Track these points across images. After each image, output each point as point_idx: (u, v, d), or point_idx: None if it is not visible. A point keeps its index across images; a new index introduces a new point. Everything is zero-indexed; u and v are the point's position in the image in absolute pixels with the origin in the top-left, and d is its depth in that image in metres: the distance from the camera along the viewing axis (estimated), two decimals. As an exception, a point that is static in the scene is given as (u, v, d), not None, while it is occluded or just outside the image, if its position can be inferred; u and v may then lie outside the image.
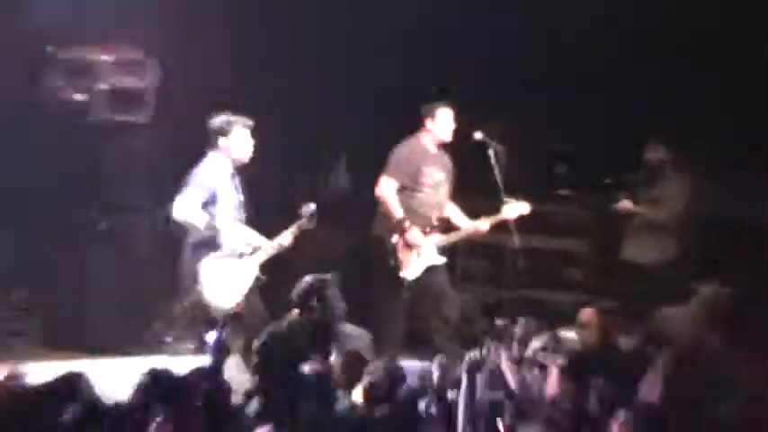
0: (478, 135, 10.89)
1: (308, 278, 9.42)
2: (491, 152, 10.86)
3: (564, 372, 8.30)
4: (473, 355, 7.86)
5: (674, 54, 13.40)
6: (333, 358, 8.76)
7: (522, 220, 11.00)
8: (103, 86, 11.72)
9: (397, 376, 7.90)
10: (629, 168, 12.82)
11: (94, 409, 6.97)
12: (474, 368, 7.55)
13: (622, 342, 9.25)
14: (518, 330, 9.23)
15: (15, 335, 11.71)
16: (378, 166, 11.22)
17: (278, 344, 8.87)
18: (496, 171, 10.92)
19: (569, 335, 9.59)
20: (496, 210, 10.91)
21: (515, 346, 9.16)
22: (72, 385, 7.26)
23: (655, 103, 12.92)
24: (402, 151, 10.90)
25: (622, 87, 12.85)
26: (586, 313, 9.20)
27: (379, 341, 9.69)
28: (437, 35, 13.61)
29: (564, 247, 13.05)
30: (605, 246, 13.14)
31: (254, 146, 10.41)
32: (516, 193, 11.11)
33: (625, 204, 12.30)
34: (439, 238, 10.87)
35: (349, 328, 9.31)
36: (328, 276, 9.34)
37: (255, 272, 10.22)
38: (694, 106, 13.14)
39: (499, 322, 9.31)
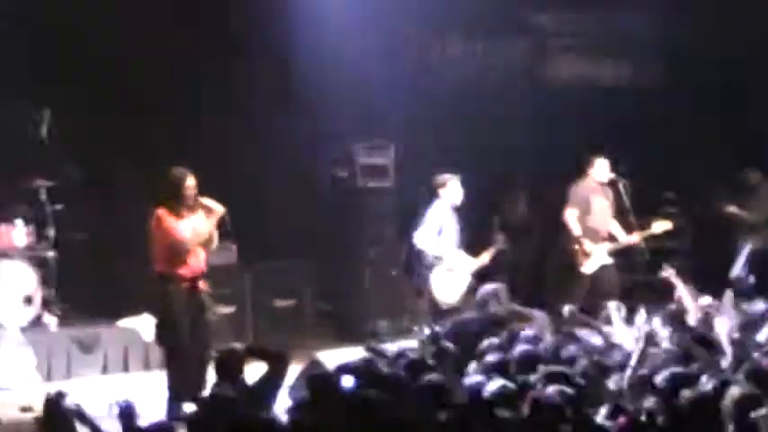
0: (612, 175, 14.00)
1: (487, 286, 12.22)
2: (621, 186, 13.94)
3: None
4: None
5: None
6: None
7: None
8: (361, 163, 15.28)
9: (569, 339, 10.29)
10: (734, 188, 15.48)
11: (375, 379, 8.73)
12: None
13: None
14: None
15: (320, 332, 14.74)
16: (545, 203, 14.67)
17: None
18: (625, 198, 13.90)
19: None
20: (632, 225, 14.03)
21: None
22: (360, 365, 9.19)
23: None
24: (576, 189, 13.91)
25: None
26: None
27: (554, 317, 12.21)
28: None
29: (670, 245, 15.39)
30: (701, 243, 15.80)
31: (464, 193, 13.61)
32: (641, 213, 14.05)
33: (732, 209, 15.11)
34: (607, 246, 13.90)
35: (533, 311, 12.04)
36: (501, 285, 12.05)
37: (468, 279, 13.57)
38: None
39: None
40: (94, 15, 14.89)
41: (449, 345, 10.30)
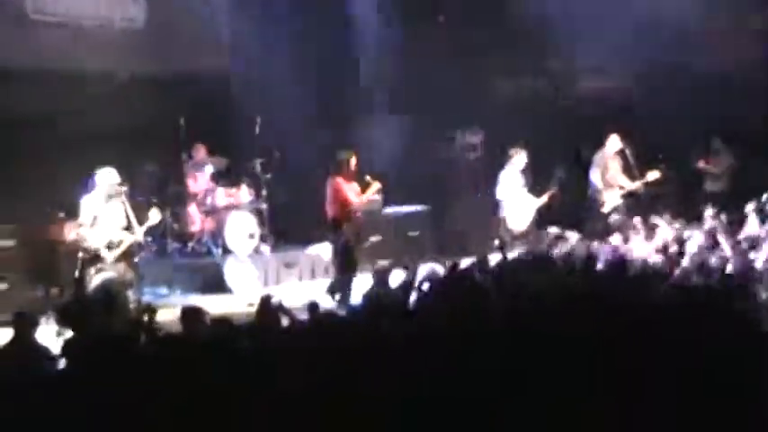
0: (621, 145, 14.99)
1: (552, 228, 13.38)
2: (628, 152, 15.08)
3: None
4: None
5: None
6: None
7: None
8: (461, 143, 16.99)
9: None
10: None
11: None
12: None
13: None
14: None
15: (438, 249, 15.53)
16: (576, 167, 15.44)
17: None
18: (630, 160, 15.00)
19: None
20: (635, 177, 14.94)
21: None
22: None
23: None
24: (597, 156, 15.25)
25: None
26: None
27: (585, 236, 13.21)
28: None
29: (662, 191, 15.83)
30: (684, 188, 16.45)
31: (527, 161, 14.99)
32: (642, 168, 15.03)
33: (702, 165, 16.47)
34: (619, 192, 15.12)
35: (569, 233, 12.97)
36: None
37: (533, 213, 14.89)
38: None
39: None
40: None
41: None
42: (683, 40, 16.16)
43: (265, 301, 8.40)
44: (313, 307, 8.57)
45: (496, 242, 12.50)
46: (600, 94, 17.45)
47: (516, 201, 14.97)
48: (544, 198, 15.04)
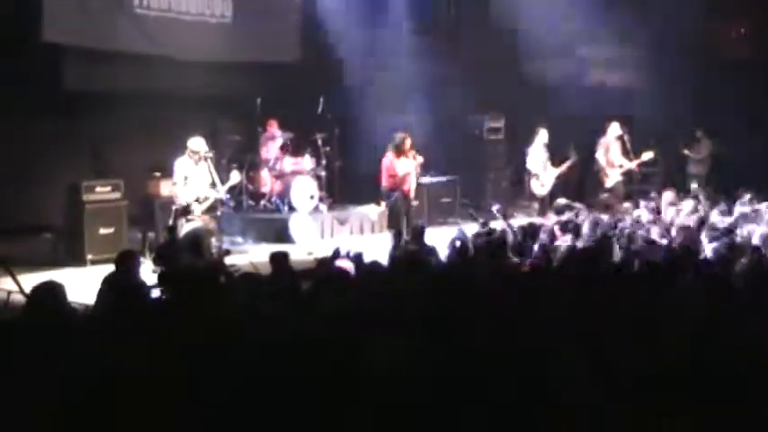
0: (620, 132, 14.65)
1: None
2: (625, 137, 14.72)
3: None
4: None
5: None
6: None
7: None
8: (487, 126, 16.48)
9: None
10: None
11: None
12: None
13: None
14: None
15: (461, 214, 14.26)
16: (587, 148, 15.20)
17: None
18: (627, 143, 14.71)
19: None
20: (631, 158, 14.72)
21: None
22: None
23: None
24: (601, 139, 14.85)
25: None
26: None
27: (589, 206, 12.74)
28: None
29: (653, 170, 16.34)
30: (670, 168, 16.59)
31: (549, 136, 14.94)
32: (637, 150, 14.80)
33: (686, 151, 16.51)
34: (619, 171, 14.83)
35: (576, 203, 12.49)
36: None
37: (553, 180, 14.84)
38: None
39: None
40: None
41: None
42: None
43: (334, 252, 8.51)
44: (358, 257, 8.55)
45: (496, 207, 11.91)
46: (606, 89, 16.97)
47: (541, 170, 14.92)
48: (563, 167, 15.03)
